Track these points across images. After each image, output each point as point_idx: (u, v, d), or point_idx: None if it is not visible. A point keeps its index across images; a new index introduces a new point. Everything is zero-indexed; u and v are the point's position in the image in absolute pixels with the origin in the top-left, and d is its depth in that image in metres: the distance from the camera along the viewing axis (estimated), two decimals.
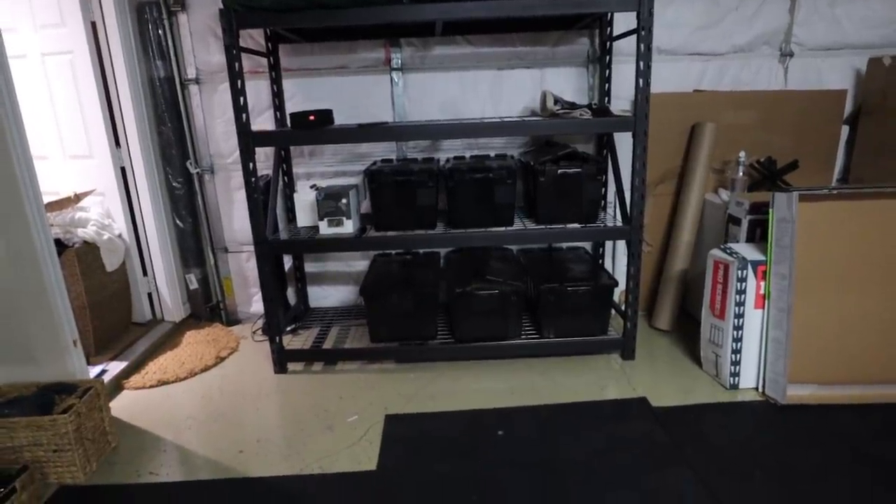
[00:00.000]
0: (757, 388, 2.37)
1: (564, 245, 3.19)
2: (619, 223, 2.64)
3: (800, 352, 2.23)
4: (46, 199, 2.29)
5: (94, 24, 2.75)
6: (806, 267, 2.18)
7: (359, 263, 3.27)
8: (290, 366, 2.75)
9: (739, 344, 2.35)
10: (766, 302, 2.29)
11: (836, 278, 2.19)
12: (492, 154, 2.96)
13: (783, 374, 2.25)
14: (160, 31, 2.88)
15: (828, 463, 1.92)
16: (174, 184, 3.08)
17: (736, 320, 2.32)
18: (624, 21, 2.69)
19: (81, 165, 2.93)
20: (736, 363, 2.37)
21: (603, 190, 2.97)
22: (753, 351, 2.35)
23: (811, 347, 2.22)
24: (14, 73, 2.12)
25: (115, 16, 2.73)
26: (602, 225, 2.65)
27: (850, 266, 2.18)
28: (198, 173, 3.10)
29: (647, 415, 2.24)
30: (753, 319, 2.32)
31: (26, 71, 2.79)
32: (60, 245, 2.54)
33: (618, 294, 3.02)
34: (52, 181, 2.89)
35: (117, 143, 2.91)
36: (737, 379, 2.38)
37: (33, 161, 2.18)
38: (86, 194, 2.89)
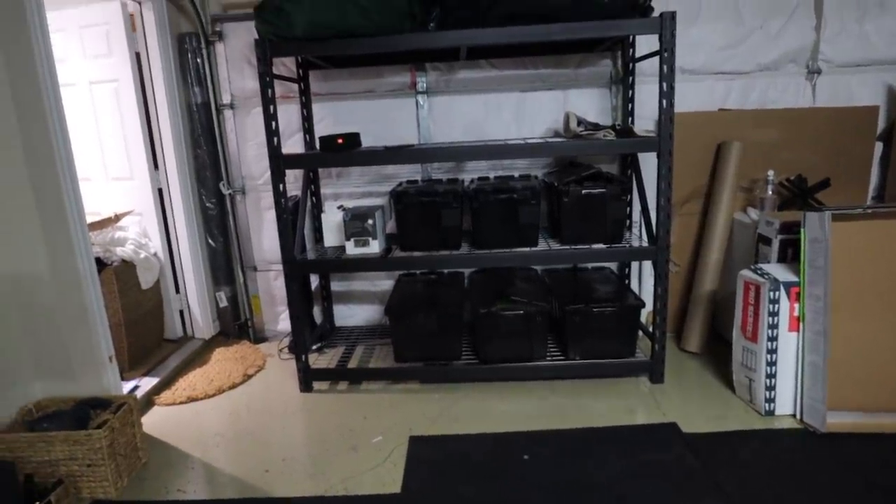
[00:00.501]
0: (794, 415, 2.29)
1: (590, 265, 3.17)
2: (645, 243, 2.62)
3: (839, 377, 2.15)
4: (89, 219, 2.40)
5: (138, 55, 2.91)
6: (842, 288, 2.12)
7: (384, 283, 3.30)
8: (316, 384, 2.77)
9: (774, 368, 2.28)
10: (801, 324, 2.22)
11: (875, 300, 2.12)
12: (516, 175, 2.98)
13: (822, 400, 2.16)
14: (198, 60, 3.01)
15: (873, 497, 1.82)
16: (207, 204, 3.19)
17: (769, 343, 2.26)
18: (646, 42, 2.70)
19: (122, 187, 3.06)
20: (771, 388, 2.30)
21: (628, 210, 2.95)
22: (789, 375, 2.28)
23: (852, 372, 2.14)
24: (64, 101, 2.25)
25: (157, 46, 2.88)
26: (627, 245, 2.63)
27: (889, 287, 2.11)
28: (230, 194, 3.20)
29: (678, 441, 2.18)
30: (788, 342, 2.25)
31: (75, 98, 2.94)
32: (100, 263, 2.64)
33: (645, 315, 2.98)
34: (95, 202, 3.02)
35: (156, 166, 3.04)
36: (772, 405, 2.31)
37: (79, 183, 2.29)
38: (125, 214, 3.01)
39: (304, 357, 2.70)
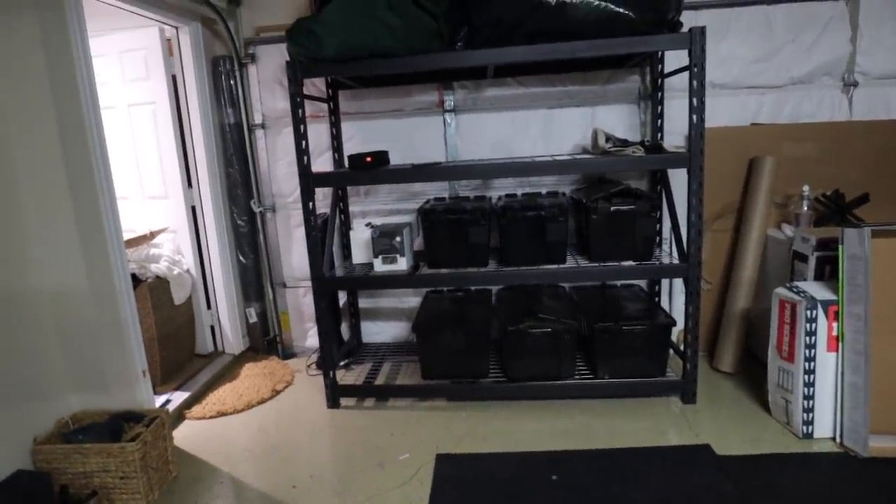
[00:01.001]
0: (834, 439, 2.21)
1: (619, 282, 3.13)
2: (676, 260, 2.58)
3: (882, 399, 2.07)
4: (125, 236, 2.46)
5: (174, 77, 3.01)
6: (884, 307, 2.05)
7: (411, 300, 3.31)
8: (343, 401, 2.78)
9: (812, 389, 2.21)
10: (840, 344, 2.15)
11: None
12: (543, 191, 2.97)
13: (863, 423, 2.08)
14: (231, 82, 3.10)
15: None
16: (238, 222, 3.25)
17: (807, 364, 2.19)
18: (675, 57, 2.69)
19: (157, 205, 3.15)
20: (809, 410, 2.22)
21: (658, 226, 2.91)
22: (828, 397, 2.20)
23: (895, 395, 2.06)
24: (104, 123, 2.32)
25: (193, 69, 2.98)
26: (657, 262, 2.59)
27: None
28: (260, 212, 3.26)
29: (711, 464, 2.12)
30: (827, 363, 2.18)
31: (114, 120, 3.05)
32: (135, 279, 2.71)
33: (676, 333, 2.92)
34: (131, 219, 3.10)
35: (189, 185, 3.12)
36: (810, 427, 2.23)
37: (117, 202, 2.36)
38: (160, 232, 3.09)
39: (331, 373, 2.71)
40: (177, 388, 2.88)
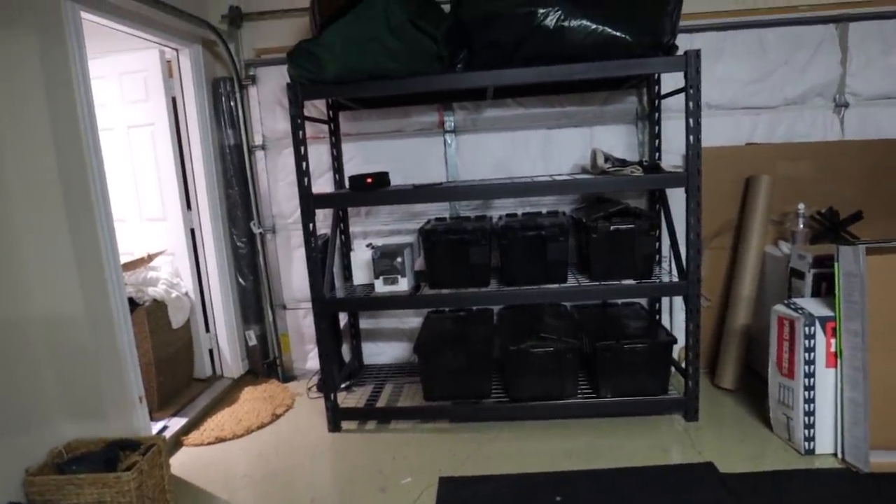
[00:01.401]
0: (836, 454, 2.21)
1: (619, 301, 3.14)
2: (676, 278, 2.60)
3: (882, 415, 2.08)
4: (122, 259, 2.45)
5: (174, 99, 3.01)
6: (880, 323, 2.07)
7: (412, 320, 3.30)
8: (345, 424, 2.75)
9: (812, 405, 2.22)
10: (839, 360, 2.17)
11: None
12: (543, 211, 2.99)
13: (864, 439, 2.10)
14: (232, 103, 3.11)
15: None
16: (238, 243, 3.24)
17: (807, 380, 2.21)
18: (672, 79, 2.73)
19: (155, 227, 3.13)
20: (810, 426, 2.23)
21: (657, 245, 2.93)
22: (829, 413, 2.21)
23: (895, 410, 2.08)
24: (102, 145, 2.32)
25: (193, 91, 2.99)
26: (657, 280, 2.62)
27: None
28: (260, 233, 3.25)
29: (714, 481, 2.12)
30: (826, 379, 2.20)
31: (112, 142, 3.04)
32: (132, 303, 2.68)
33: (677, 351, 2.93)
34: (128, 242, 3.07)
35: (188, 207, 3.11)
36: (812, 444, 2.24)
37: (114, 225, 2.35)
38: (158, 254, 3.07)
39: (332, 396, 2.69)
40: (174, 414, 2.83)
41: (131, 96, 3.01)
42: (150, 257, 3.02)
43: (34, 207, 2.17)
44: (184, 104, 3.02)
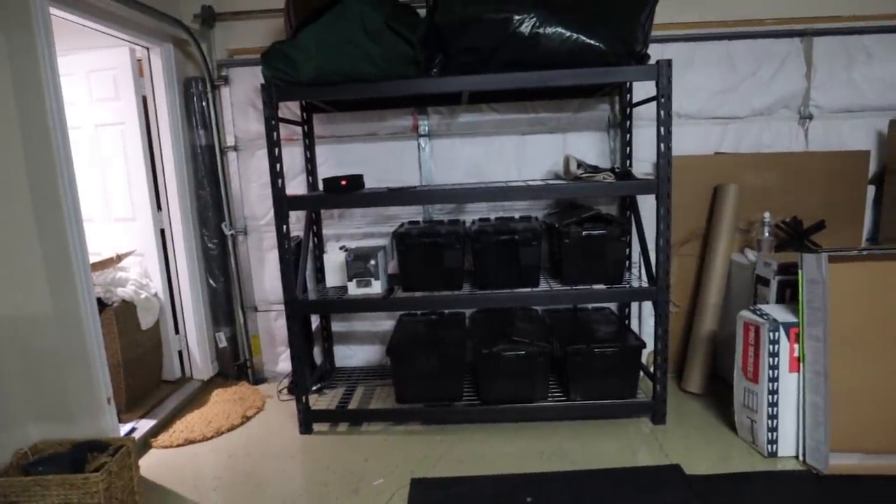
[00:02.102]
0: (797, 457, 2.28)
1: (590, 305, 3.18)
2: (645, 284, 2.65)
3: (841, 418, 2.15)
4: (91, 259, 2.39)
5: (144, 98, 2.97)
6: (841, 329, 2.14)
7: (385, 323, 3.30)
8: (316, 426, 2.74)
9: (775, 409, 2.28)
10: (801, 365, 2.24)
11: (874, 341, 2.13)
12: (516, 216, 3.02)
13: (824, 441, 2.16)
14: (203, 104, 3.08)
15: None
16: (209, 245, 3.20)
17: (770, 384, 2.27)
18: (643, 88, 2.79)
19: (124, 227, 3.08)
20: (773, 429, 2.29)
21: (627, 251, 2.99)
22: (791, 416, 2.28)
23: (854, 413, 2.14)
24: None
25: (164, 91, 2.95)
26: (628, 286, 2.66)
27: (888, 328, 2.13)
28: (232, 235, 3.22)
29: (681, 483, 2.16)
30: (789, 383, 2.26)
31: (80, 140, 2.98)
32: (100, 304, 2.63)
33: (646, 356, 2.98)
34: (96, 242, 3.02)
35: (159, 207, 3.07)
36: (775, 446, 2.30)
37: (83, 224, 2.31)
38: (127, 255, 3.02)
39: (304, 398, 2.68)
40: (143, 416, 2.79)
41: (100, 94, 2.96)
42: (119, 258, 2.97)
43: (1, 205, 2.12)
44: (154, 103, 2.98)
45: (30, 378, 2.23)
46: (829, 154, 2.97)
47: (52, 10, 2.22)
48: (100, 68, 2.93)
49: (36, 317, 2.21)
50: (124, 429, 2.63)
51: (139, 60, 2.94)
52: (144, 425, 2.72)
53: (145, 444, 2.64)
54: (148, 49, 2.92)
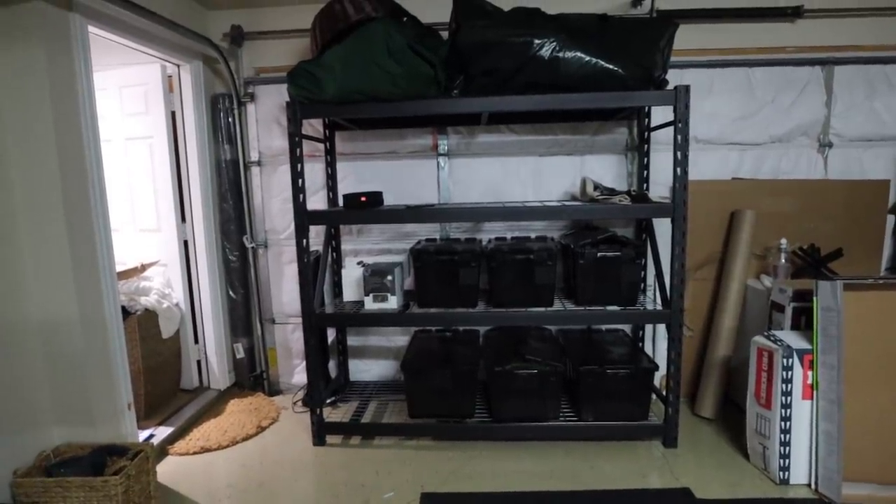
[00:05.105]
0: (809, 485, 2.26)
1: (604, 327, 3.19)
2: (660, 306, 2.65)
3: (855, 447, 2.13)
4: (116, 268, 2.47)
5: (173, 113, 3.07)
6: (856, 358, 2.13)
7: (399, 339, 3.33)
8: (329, 438, 2.77)
9: (788, 436, 2.27)
10: (815, 393, 2.23)
11: (890, 370, 2.12)
12: (532, 236, 3.04)
13: (837, 471, 2.14)
14: (230, 119, 3.17)
15: None
16: (230, 257, 3.27)
17: (783, 410, 2.26)
18: (661, 112, 2.81)
19: (149, 238, 3.16)
20: (785, 456, 2.28)
21: (642, 273, 2.99)
22: (804, 444, 2.26)
23: (867, 443, 2.12)
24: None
25: (192, 106, 3.05)
26: (642, 308, 2.66)
27: None
28: (252, 247, 3.28)
29: None
30: (802, 410, 2.25)
31: (110, 153, 3.09)
32: (124, 311, 2.70)
33: (658, 379, 2.97)
34: (122, 252, 3.11)
35: (183, 219, 3.15)
36: (787, 473, 2.28)
37: (111, 234, 2.38)
38: (151, 265, 3.10)
39: (318, 410, 2.71)
40: (160, 423, 2.85)
41: (131, 109, 3.06)
42: (144, 267, 3.05)
43: (36, 214, 2.21)
44: (183, 118, 3.07)
45: (55, 382, 2.29)
46: (849, 182, 2.96)
47: (91, 28, 2.32)
48: (132, 84, 3.04)
49: (63, 322, 2.28)
50: (143, 435, 2.68)
51: (169, 76, 3.04)
52: (162, 432, 2.77)
53: (162, 450, 2.69)
54: (178, 66, 3.02)
